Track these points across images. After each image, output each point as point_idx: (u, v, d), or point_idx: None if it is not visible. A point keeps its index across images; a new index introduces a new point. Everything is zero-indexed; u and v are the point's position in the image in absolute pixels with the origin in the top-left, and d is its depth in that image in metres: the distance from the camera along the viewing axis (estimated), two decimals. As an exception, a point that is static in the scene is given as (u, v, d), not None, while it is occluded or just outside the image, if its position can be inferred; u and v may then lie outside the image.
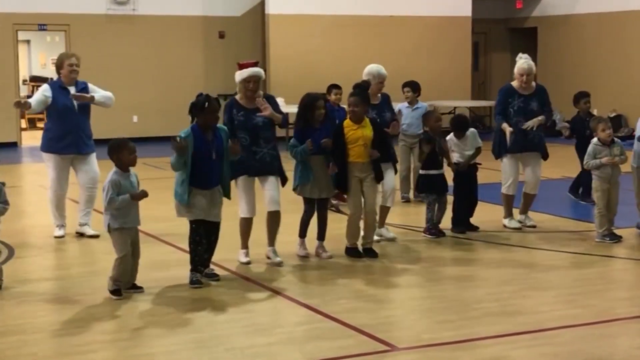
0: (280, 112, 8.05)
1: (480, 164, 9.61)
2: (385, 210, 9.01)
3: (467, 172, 9.43)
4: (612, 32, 20.05)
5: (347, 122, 8.27)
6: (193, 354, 5.75)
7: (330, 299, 6.94)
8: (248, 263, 8.10)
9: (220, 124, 7.56)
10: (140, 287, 7.23)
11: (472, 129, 9.53)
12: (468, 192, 9.46)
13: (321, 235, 8.43)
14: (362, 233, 8.48)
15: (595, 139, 9.03)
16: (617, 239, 8.95)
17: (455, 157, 9.42)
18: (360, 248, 8.44)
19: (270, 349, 5.82)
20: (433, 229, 9.23)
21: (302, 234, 8.47)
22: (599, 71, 20.07)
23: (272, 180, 8.04)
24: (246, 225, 8.09)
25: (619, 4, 19.87)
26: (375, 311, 6.74)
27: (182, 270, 7.70)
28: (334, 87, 10.89)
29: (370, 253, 8.41)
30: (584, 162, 9.12)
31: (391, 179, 8.86)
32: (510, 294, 7.13)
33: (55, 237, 9.35)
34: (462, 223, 9.45)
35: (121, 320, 6.53)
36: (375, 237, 8.74)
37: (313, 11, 19.75)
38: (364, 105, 8.29)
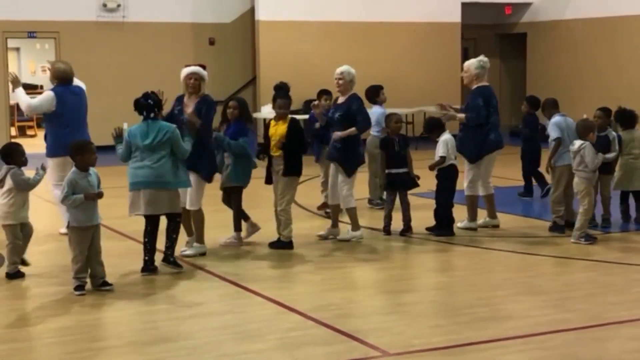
0: (207, 117, 8.68)
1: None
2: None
3: (451, 175, 9.48)
4: (601, 38, 20.12)
5: (273, 121, 9.09)
6: (185, 360, 5.76)
7: (321, 305, 6.96)
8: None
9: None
10: (110, 284, 7.43)
11: (447, 136, 9.51)
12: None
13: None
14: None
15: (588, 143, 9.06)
16: (592, 240, 9.06)
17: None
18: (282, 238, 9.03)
19: (262, 355, 5.83)
20: (387, 227, 9.56)
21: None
22: (589, 77, 20.12)
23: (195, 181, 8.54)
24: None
25: (608, 10, 19.93)
26: (366, 317, 6.75)
27: (169, 275, 7.73)
28: (324, 92, 10.92)
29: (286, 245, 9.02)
30: (595, 163, 8.96)
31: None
32: (501, 299, 7.16)
33: (63, 234, 9.38)
34: (447, 226, 9.50)
35: (113, 327, 6.54)
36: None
37: (303, 17, 19.76)
38: (289, 107, 9.16)
